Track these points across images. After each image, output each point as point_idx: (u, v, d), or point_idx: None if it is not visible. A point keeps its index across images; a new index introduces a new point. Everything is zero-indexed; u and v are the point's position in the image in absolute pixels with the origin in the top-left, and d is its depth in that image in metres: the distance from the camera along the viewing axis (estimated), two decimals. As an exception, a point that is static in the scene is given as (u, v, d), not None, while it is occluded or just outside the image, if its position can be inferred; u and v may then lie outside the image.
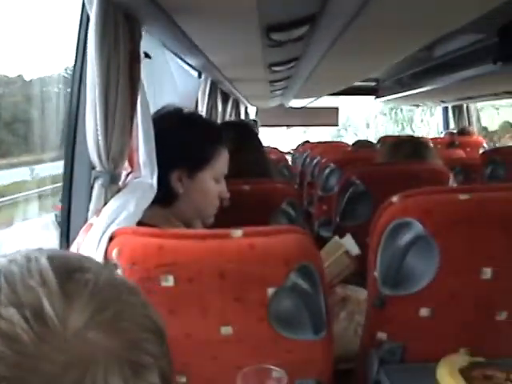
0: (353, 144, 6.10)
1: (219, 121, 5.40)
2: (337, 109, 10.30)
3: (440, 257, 1.60)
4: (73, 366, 0.57)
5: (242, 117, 9.48)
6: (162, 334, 0.69)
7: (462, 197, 1.62)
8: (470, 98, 6.53)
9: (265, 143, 5.46)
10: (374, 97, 8.89)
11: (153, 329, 0.67)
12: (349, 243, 2.30)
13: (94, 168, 1.84)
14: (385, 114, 18.76)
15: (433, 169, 2.94)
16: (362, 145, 5.78)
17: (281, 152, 5.29)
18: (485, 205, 1.64)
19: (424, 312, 1.66)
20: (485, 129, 8.62)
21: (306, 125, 11.00)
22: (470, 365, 1.60)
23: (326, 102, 9.94)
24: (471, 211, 1.62)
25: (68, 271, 0.64)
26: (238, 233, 1.50)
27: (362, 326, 1.87)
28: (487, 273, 1.62)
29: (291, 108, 10.53)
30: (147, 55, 2.10)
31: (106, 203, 1.81)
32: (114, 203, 1.80)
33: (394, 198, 1.67)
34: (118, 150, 1.80)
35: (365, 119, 19.16)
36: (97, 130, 1.76)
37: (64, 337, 0.58)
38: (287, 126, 11.15)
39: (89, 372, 0.58)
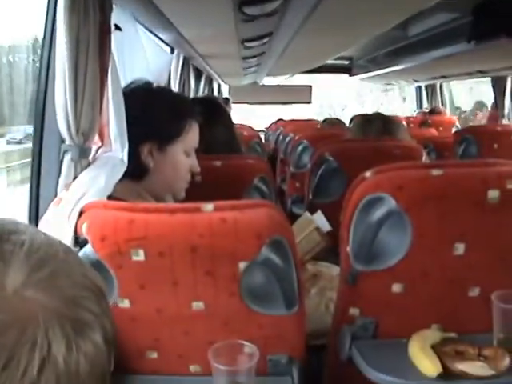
0: (322, 122, 6.02)
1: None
2: (310, 87, 10.31)
3: (412, 232, 1.59)
4: (12, 324, 0.57)
5: (215, 94, 9.45)
6: (101, 292, 0.69)
7: (435, 172, 1.62)
8: (443, 76, 6.55)
9: (243, 121, 5.43)
10: (347, 75, 8.94)
11: (91, 287, 0.67)
12: (319, 220, 2.29)
13: (63, 141, 1.81)
14: (386, 90, 16.49)
15: (406, 146, 2.94)
16: (331, 122, 5.69)
17: (253, 129, 5.26)
18: (457, 181, 1.63)
19: (396, 288, 1.66)
20: (458, 108, 8.65)
21: (279, 102, 10.96)
22: (442, 340, 1.61)
23: (310, 78, 9.88)
24: (444, 187, 1.62)
25: (3, 234, 0.65)
26: (209, 207, 1.48)
27: (334, 302, 1.87)
28: (459, 248, 1.62)
29: (264, 86, 10.51)
30: (118, 27, 2.07)
31: (75, 177, 1.78)
32: (84, 177, 1.78)
33: (367, 174, 1.66)
34: (87, 123, 1.77)
35: (358, 95, 17.60)
36: (66, 102, 1.73)
37: (2, 296, 0.59)
38: (260, 103, 11.13)
39: (29, 329, 0.58)
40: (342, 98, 17.83)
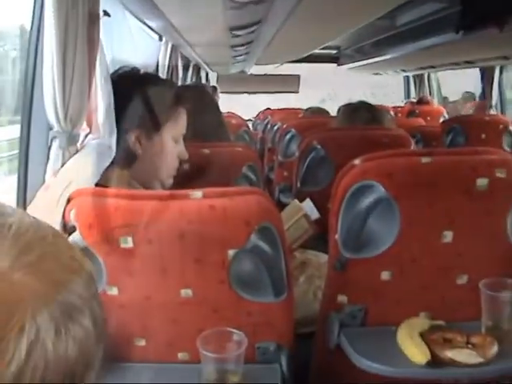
0: (305, 110, 5.95)
1: (179, 86, 5.34)
2: (298, 76, 10.30)
3: (401, 220, 1.60)
4: None
5: (203, 83, 9.42)
6: (89, 276, 0.68)
7: (424, 160, 1.62)
8: (431, 66, 6.55)
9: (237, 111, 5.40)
10: (335, 64, 8.95)
11: (79, 270, 0.66)
12: (308, 207, 2.29)
13: (51, 128, 1.80)
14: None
15: (395, 134, 2.93)
16: (313, 111, 5.62)
17: (241, 118, 5.23)
18: (447, 168, 1.64)
19: (385, 275, 1.66)
20: (445, 98, 8.62)
21: (267, 92, 10.94)
22: (431, 328, 1.61)
23: (313, 67, 9.82)
24: (433, 174, 1.62)
25: None
26: (197, 194, 1.47)
27: (322, 290, 1.87)
28: (448, 236, 1.63)
29: (252, 75, 10.49)
30: (106, 13, 2.05)
31: (63, 164, 1.77)
32: (72, 164, 1.76)
33: (356, 161, 1.66)
34: (76, 109, 1.76)
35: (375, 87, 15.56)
36: (54, 89, 1.72)
37: None
38: (248, 92, 11.12)
39: (17, 313, 0.57)
40: (348, 89, 16.66)
